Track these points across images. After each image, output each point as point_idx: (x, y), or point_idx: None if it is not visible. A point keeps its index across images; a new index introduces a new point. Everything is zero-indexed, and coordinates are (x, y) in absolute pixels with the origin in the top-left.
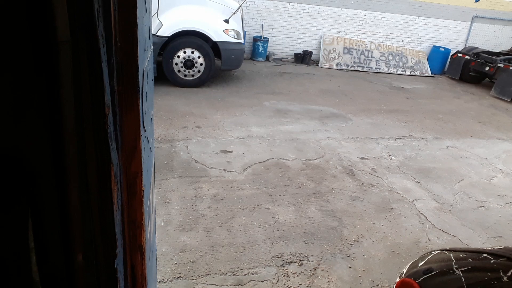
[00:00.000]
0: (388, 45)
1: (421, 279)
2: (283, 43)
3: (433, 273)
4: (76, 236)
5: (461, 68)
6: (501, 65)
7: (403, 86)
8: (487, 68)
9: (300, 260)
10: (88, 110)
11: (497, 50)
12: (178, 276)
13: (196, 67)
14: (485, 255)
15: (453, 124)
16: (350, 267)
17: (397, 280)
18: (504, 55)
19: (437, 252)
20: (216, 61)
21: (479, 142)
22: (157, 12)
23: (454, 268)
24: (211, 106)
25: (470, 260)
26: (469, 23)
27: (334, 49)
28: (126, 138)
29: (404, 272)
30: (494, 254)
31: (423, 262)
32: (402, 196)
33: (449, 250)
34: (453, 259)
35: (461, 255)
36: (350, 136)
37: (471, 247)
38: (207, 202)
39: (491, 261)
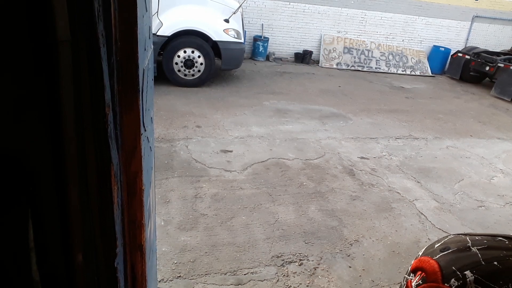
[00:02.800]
0: (388, 45)
1: (438, 256)
2: (283, 42)
3: (450, 250)
4: (76, 236)
5: (461, 68)
6: (501, 65)
7: (403, 85)
8: (487, 68)
9: (300, 260)
10: (88, 110)
11: (498, 50)
12: (178, 275)
13: (196, 67)
14: (500, 238)
15: (453, 124)
16: (350, 267)
17: (413, 261)
18: (504, 55)
19: (453, 235)
20: (216, 60)
21: (479, 142)
22: (157, 12)
23: (471, 246)
24: (211, 105)
25: (486, 241)
26: (469, 22)
27: (334, 49)
28: (126, 137)
29: (420, 253)
30: (508, 237)
31: (439, 244)
32: (402, 196)
33: (465, 234)
34: (469, 240)
35: (477, 237)
36: (350, 135)
37: (485, 232)
38: (207, 201)
39: (506, 242)
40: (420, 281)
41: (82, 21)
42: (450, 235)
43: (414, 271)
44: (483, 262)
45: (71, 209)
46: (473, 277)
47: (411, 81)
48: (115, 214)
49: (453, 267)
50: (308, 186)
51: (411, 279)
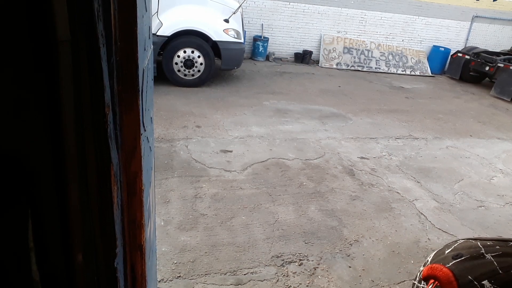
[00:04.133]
0: (388, 45)
1: (451, 263)
2: (283, 42)
3: (463, 257)
4: (76, 236)
5: (461, 67)
6: (501, 65)
7: (403, 85)
8: (487, 68)
9: (300, 260)
10: (88, 110)
11: (497, 50)
12: (178, 275)
13: (196, 67)
14: None
15: (453, 124)
16: (350, 267)
17: (422, 268)
18: (504, 55)
19: (462, 240)
20: (216, 60)
21: (479, 142)
22: (157, 12)
23: (484, 253)
24: (211, 105)
25: (498, 247)
26: (469, 22)
27: (334, 49)
28: (126, 137)
29: (430, 260)
30: None
31: (450, 249)
32: (402, 196)
33: (475, 239)
34: (481, 246)
35: (488, 243)
36: (350, 135)
37: (496, 237)
38: (207, 201)
39: None
40: None
41: (82, 21)
42: (459, 240)
43: (426, 279)
44: (500, 271)
45: (71, 209)
46: (492, 287)
47: (411, 81)
48: (115, 214)
49: (469, 276)
50: (308, 186)
51: (423, 287)
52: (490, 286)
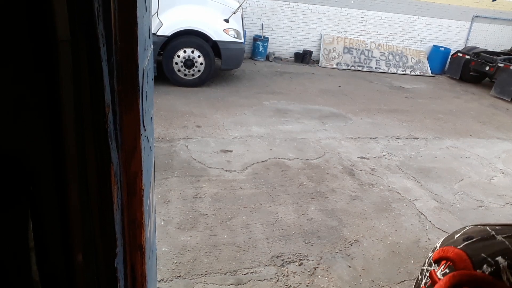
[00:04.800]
0: (388, 45)
1: (462, 245)
2: (283, 42)
3: (474, 239)
4: (76, 236)
5: (461, 67)
6: (501, 65)
7: (403, 85)
8: (487, 68)
9: (300, 260)
10: (88, 110)
11: (497, 50)
12: (178, 275)
13: (196, 67)
14: None
15: (453, 123)
16: (350, 267)
17: (431, 254)
18: (504, 55)
19: (471, 226)
20: (216, 60)
21: (479, 142)
22: (157, 12)
23: (495, 235)
24: (211, 105)
25: (508, 230)
26: (469, 22)
27: (334, 49)
28: (126, 137)
29: (438, 245)
30: None
31: (460, 234)
32: (402, 196)
33: (483, 225)
34: (491, 230)
35: (497, 227)
36: (350, 135)
37: (505, 222)
38: (207, 201)
39: None
40: (447, 270)
41: (82, 21)
42: (468, 226)
43: (437, 261)
44: None
45: (71, 209)
46: (506, 262)
47: (411, 81)
48: (115, 214)
49: (482, 254)
50: (308, 186)
51: (434, 269)
52: (504, 261)
